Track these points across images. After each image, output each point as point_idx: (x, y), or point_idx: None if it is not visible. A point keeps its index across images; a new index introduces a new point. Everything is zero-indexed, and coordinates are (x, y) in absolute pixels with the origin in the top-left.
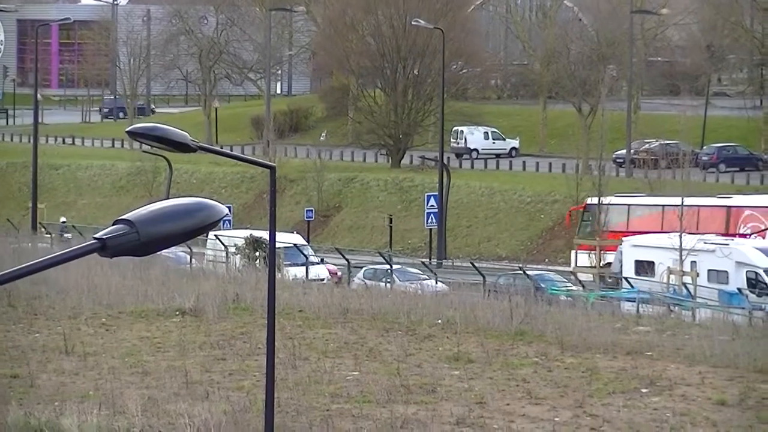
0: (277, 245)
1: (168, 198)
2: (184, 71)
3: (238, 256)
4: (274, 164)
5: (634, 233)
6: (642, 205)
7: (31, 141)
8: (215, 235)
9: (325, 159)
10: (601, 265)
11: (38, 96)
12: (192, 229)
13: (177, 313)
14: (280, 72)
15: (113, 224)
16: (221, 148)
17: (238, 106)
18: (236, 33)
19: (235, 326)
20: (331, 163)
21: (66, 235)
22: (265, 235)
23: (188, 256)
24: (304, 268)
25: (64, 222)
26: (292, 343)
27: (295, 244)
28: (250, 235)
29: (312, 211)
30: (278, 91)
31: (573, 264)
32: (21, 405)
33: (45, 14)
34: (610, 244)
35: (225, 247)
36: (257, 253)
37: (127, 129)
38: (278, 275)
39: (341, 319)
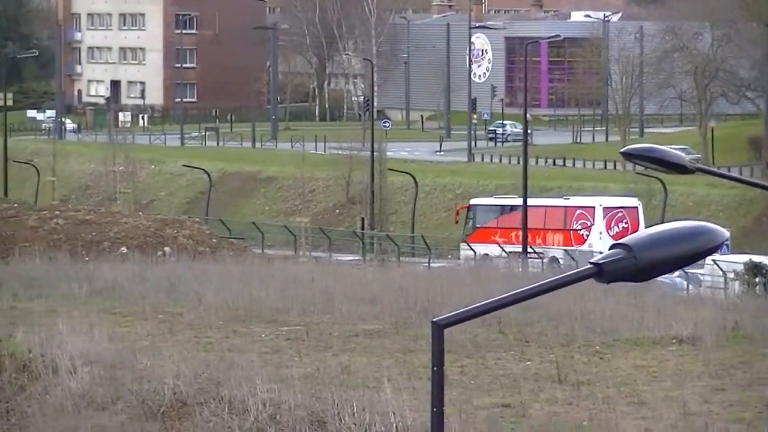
0: None
1: (663, 222)
2: (678, 90)
3: (737, 282)
4: None
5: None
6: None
7: (521, 162)
8: (713, 260)
9: None
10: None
11: (527, 116)
12: (692, 254)
13: (673, 341)
14: None
15: (609, 248)
16: (718, 169)
17: (734, 126)
18: (733, 49)
19: (734, 355)
20: None
21: None
22: (766, 260)
23: (684, 282)
24: None
25: None
26: None
27: None
28: (750, 260)
29: None
30: None
31: None
32: None
33: (534, 31)
34: None
35: (723, 272)
36: (757, 279)
37: (622, 149)
38: None
39: None
